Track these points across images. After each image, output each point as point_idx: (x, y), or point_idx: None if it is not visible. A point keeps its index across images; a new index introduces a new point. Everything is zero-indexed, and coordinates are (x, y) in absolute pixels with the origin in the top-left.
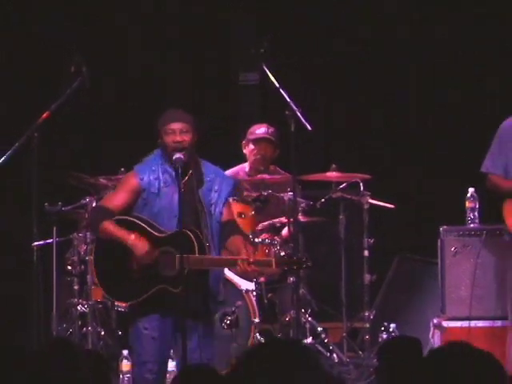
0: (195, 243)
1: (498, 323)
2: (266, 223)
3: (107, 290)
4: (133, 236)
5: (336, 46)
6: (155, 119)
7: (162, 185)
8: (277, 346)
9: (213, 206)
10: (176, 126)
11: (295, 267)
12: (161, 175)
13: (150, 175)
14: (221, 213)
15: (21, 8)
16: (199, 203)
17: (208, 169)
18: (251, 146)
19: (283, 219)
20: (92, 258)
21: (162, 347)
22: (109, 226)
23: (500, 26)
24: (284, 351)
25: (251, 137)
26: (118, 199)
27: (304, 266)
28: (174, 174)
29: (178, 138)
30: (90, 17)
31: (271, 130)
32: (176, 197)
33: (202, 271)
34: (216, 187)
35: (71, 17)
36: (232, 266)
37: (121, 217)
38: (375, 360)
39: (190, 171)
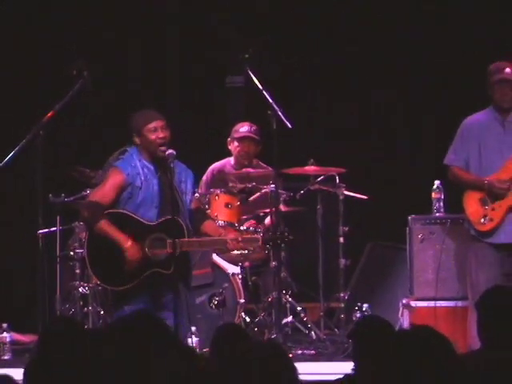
0: (184, 228)
1: (461, 303)
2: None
3: (100, 278)
4: (129, 242)
5: (336, 47)
6: (129, 120)
7: (143, 179)
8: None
9: (184, 195)
10: (158, 123)
11: (279, 241)
12: (141, 170)
13: (133, 171)
14: (190, 201)
15: (21, 8)
16: (177, 193)
17: (175, 163)
18: (236, 143)
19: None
20: (85, 247)
21: None
22: (107, 226)
23: (500, 25)
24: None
25: (235, 135)
26: (109, 194)
27: (286, 239)
28: (153, 168)
29: (162, 135)
30: (90, 17)
31: (254, 128)
32: (156, 189)
33: (185, 254)
34: (183, 179)
35: (71, 17)
36: (222, 245)
37: (113, 210)
38: None
39: (165, 165)
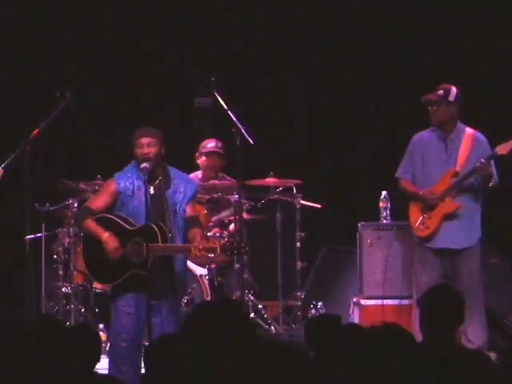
0: (158, 234)
1: (405, 301)
2: (215, 218)
3: (92, 275)
4: (106, 234)
5: (336, 46)
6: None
7: (135, 188)
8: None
9: (177, 205)
10: (144, 140)
11: (236, 252)
12: (135, 181)
13: (126, 181)
14: (184, 210)
15: (21, 8)
16: (165, 202)
17: (175, 174)
18: (203, 158)
19: (227, 213)
20: (80, 247)
21: (135, 322)
22: (89, 224)
23: (500, 25)
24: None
25: (203, 150)
26: (99, 201)
27: (243, 250)
28: (145, 179)
29: (145, 151)
30: (90, 17)
31: (219, 144)
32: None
33: (166, 258)
34: (181, 189)
35: (71, 17)
36: (187, 251)
37: (101, 215)
38: None
39: (160, 176)
